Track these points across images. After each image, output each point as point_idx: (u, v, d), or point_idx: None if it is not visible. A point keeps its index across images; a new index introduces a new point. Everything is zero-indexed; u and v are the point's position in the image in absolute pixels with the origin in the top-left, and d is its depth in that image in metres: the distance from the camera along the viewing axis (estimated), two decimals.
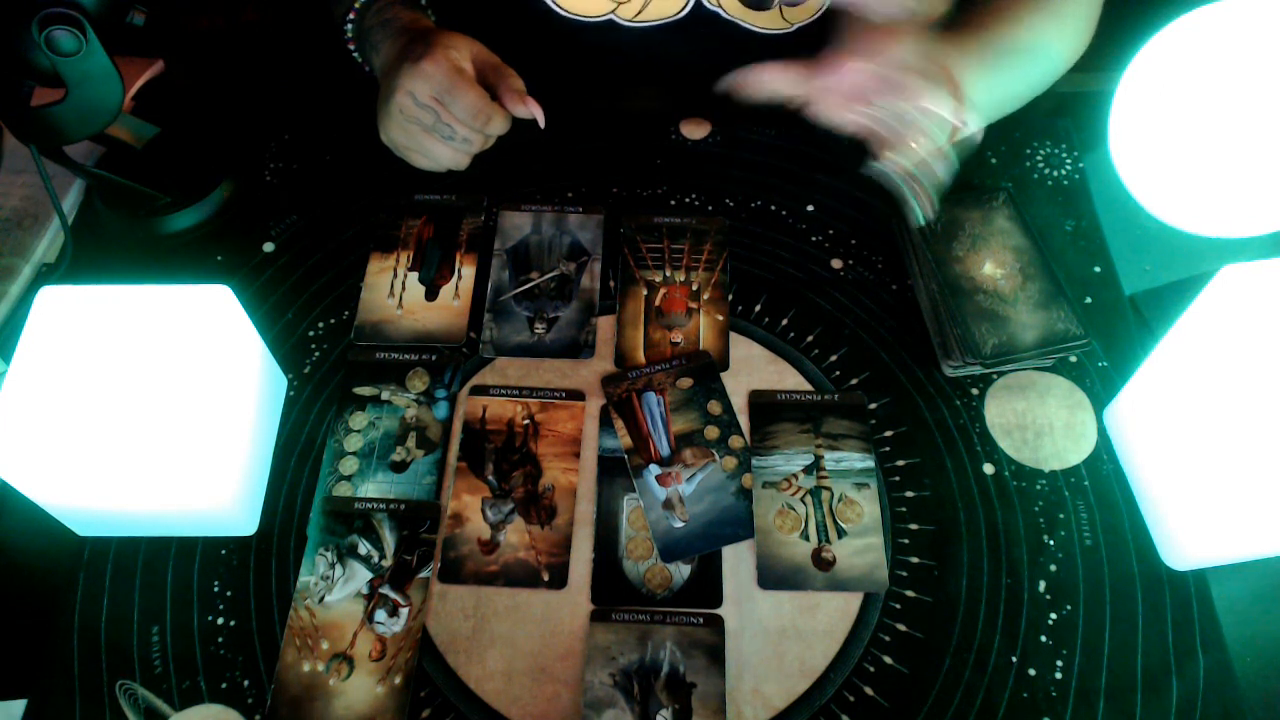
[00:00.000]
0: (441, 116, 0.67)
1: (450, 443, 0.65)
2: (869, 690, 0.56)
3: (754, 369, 0.68)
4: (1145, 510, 0.61)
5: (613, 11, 0.76)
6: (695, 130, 0.80)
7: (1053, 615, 0.58)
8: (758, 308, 0.70)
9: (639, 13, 0.76)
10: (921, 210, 0.64)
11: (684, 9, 0.75)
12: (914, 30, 0.61)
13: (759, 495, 0.62)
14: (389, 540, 0.60)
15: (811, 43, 0.69)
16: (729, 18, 0.76)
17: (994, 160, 0.78)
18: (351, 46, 0.75)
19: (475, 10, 0.78)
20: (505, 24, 0.77)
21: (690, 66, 0.80)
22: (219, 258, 0.73)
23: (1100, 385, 0.66)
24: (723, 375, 0.67)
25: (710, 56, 0.79)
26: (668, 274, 0.72)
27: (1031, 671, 0.56)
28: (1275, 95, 0.59)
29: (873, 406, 0.66)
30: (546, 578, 0.59)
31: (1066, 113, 0.79)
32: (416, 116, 0.67)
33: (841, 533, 0.60)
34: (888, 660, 0.57)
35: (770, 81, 0.63)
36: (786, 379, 0.67)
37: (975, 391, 0.67)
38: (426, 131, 0.68)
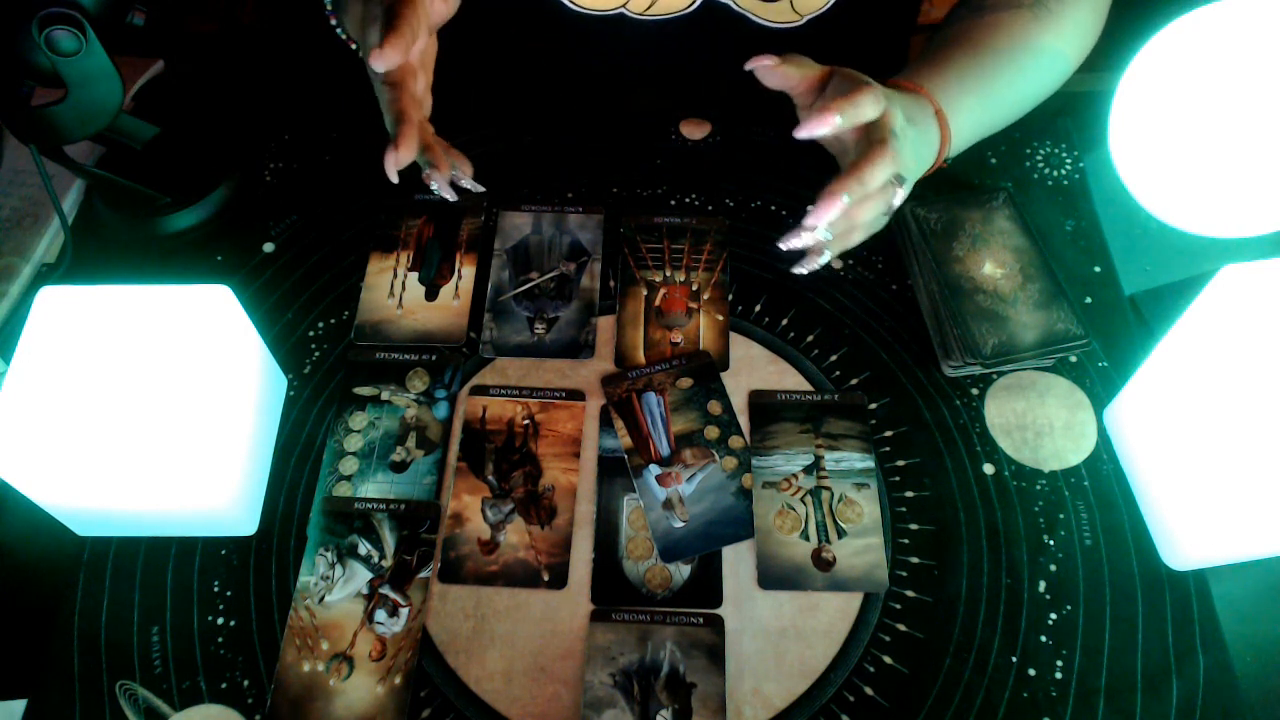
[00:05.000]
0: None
1: (450, 443, 0.65)
2: (869, 690, 0.56)
3: (754, 369, 0.68)
4: (1145, 510, 0.61)
5: (624, 5, 0.75)
6: (695, 130, 0.80)
7: (1053, 615, 0.58)
8: (758, 308, 0.70)
9: (650, 6, 0.76)
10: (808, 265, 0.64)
11: (695, 2, 0.75)
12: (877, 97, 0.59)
13: (759, 495, 0.62)
14: (389, 540, 0.60)
15: (823, 35, 0.69)
16: (740, 10, 0.76)
17: (994, 160, 0.78)
18: (334, 22, 0.71)
19: (485, 4, 0.77)
20: (516, 18, 0.77)
21: (699, 63, 0.80)
22: (219, 258, 0.74)
23: (1100, 385, 0.66)
24: (723, 375, 0.67)
25: (720, 52, 0.79)
26: (668, 274, 0.72)
27: (1031, 671, 0.56)
28: (1275, 95, 0.59)
29: (873, 406, 0.66)
30: (546, 578, 0.59)
31: (1066, 113, 0.79)
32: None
33: (841, 533, 0.60)
34: (888, 660, 0.57)
35: (785, 80, 0.62)
36: (786, 379, 0.67)
37: (975, 391, 0.67)
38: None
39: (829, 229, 0.60)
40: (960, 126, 0.68)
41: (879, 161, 0.59)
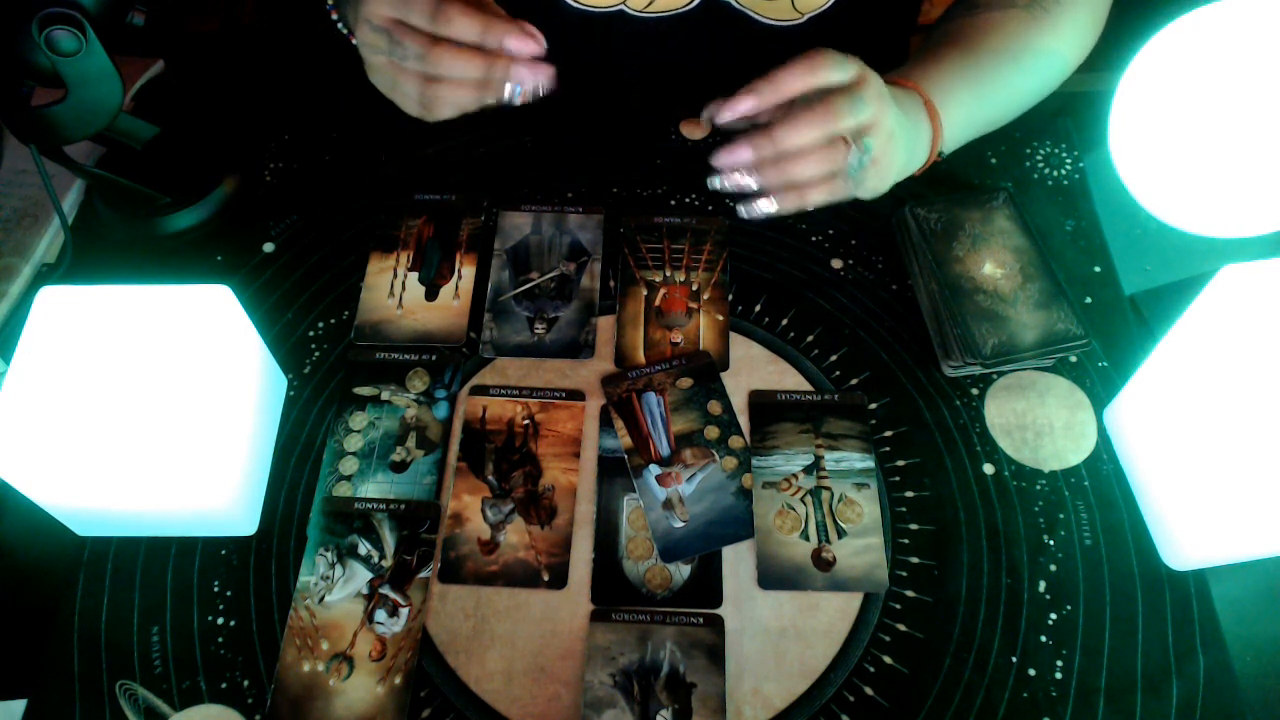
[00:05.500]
0: (393, 34, 0.60)
1: (450, 443, 0.65)
2: (869, 690, 0.56)
3: (754, 369, 0.68)
4: (1145, 510, 0.61)
5: (622, 3, 0.75)
6: (695, 130, 0.80)
7: (1053, 615, 0.58)
8: (758, 308, 0.70)
9: (649, 4, 0.76)
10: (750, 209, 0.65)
11: (694, 0, 0.75)
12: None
13: (759, 495, 0.62)
14: (389, 540, 0.60)
15: (824, 34, 0.69)
16: (740, 8, 0.75)
17: (994, 160, 0.78)
18: (335, 16, 0.70)
19: None
20: (514, 15, 0.77)
21: (699, 61, 0.80)
22: (219, 258, 0.73)
23: (1100, 385, 0.66)
24: (723, 375, 0.67)
25: (720, 50, 0.79)
26: (668, 274, 0.72)
27: (1031, 671, 0.56)
28: (1275, 95, 0.59)
29: (873, 406, 0.66)
30: (546, 578, 0.59)
31: (1066, 113, 0.79)
32: (373, 44, 0.60)
33: (841, 533, 0.60)
34: (888, 660, 0.57)
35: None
36: (786, 379, 0.67)
37: (975, 391, 0.67)
38: (392, 64, 0.61)
39: (757, 178, 0.62)
40: (953, 121, 0.68)
41: (800, 122, 0.59)
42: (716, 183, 0.63)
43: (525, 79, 0.61)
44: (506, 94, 0.62)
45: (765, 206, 0.64)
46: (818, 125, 0.60)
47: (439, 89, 0.61)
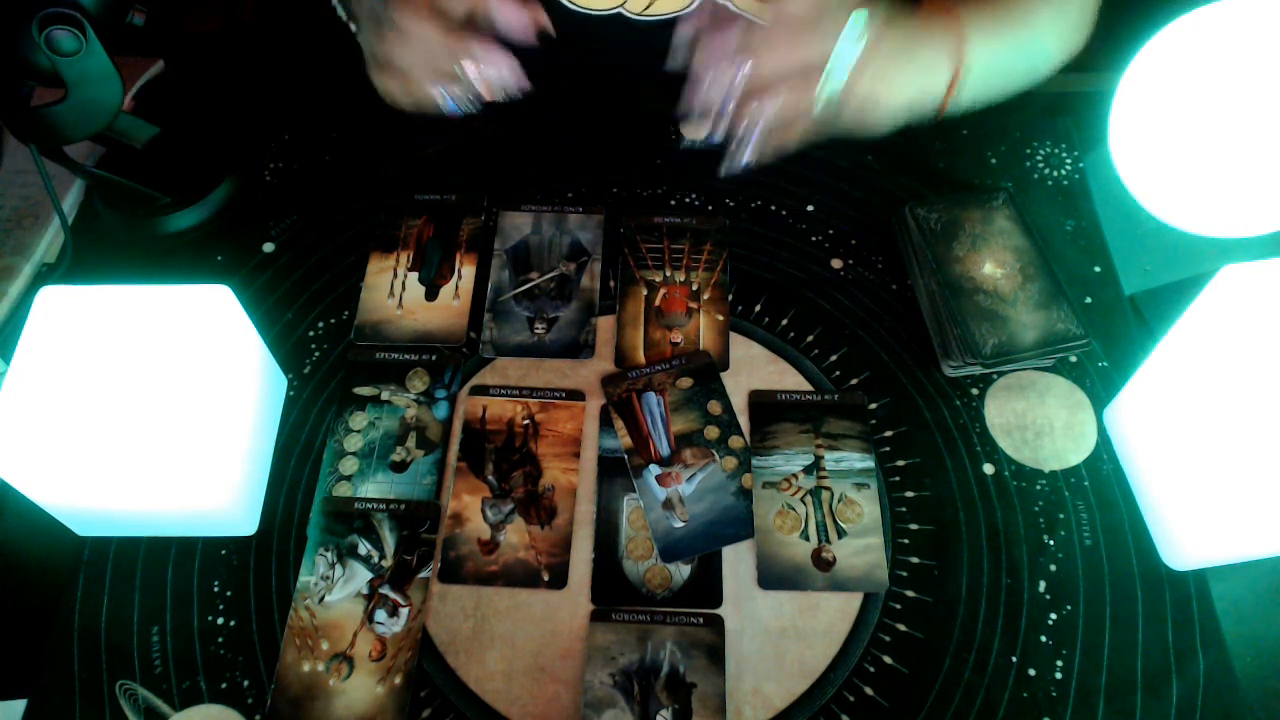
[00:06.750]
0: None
1: (450, 443, 0.65)
2: (869, 690, 0.56)
3: (754, 369, 0.68)
4: (1145, 510, 0.61)
5: (621, 5, 0.75)
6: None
7: (1053, 615, 0.58)
8: (758, 308, 0.70)
9: (648, 6, 0.76)
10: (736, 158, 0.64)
11: (693, 3, 0.75)
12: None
13: (759, 495, 0.62)
14: (389, 540, 0.60)
15: None
16: (738, 11, 0.75)
17: (994, 160, 0.78)
18: (335, 2, 0.70)
19: None
20: None
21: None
22: (219, 258, 0.74)
23: (1100, 385, 0.66)
24: (723, 375, 0.67)
25: None
26: (668, 274, 0.72)
27: (1031, 671, 0.56)
28: (1275, 95, 0.59)
29: (873, 406, 0.66)
30: (546, 578, 0.59)
31: (1066, 113, 0.79)
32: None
33: (841, 533, 0.60)
34: (888, 660, 0.57)
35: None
36: (786, 379, 0.67)
37: (975, 391, 0.67)
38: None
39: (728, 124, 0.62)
40: (979, 49, 0.64)
41: (773, 42, 0.59)
42: (716, 138, 0.63)
43: (493, 71, 0.62)
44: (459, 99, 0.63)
45: (743, 157, 0.64)
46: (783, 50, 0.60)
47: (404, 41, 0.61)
